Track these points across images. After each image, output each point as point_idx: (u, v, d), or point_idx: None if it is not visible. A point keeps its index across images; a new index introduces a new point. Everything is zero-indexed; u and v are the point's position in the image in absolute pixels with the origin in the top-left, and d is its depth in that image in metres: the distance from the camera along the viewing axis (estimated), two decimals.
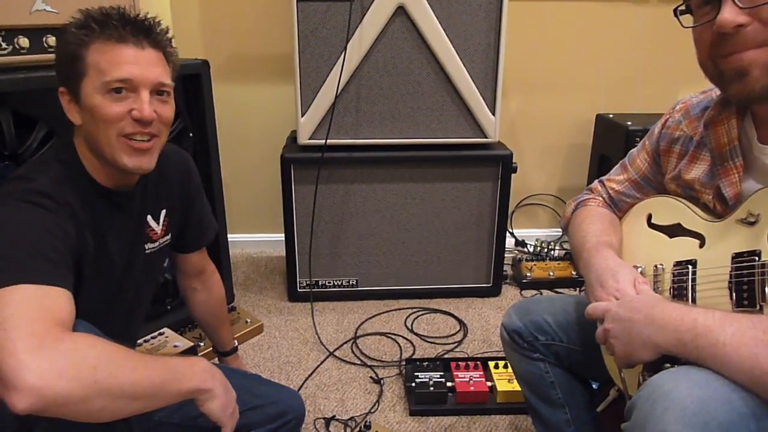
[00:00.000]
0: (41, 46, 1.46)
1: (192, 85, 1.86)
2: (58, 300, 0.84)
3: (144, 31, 0.98)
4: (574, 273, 2.36)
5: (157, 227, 1.19)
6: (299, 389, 1.73)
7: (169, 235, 1.23)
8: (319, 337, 1.99)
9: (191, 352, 1.77)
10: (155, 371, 0.85)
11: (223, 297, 1.51)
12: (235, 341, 1.59)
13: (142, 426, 1.18)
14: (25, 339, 0.75)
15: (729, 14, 0.77)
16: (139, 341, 1.76)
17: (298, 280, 2.20)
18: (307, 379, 1.78)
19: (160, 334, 1.82)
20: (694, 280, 0.93)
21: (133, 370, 0.82)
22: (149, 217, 1.17)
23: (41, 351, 0.75)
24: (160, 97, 1.01)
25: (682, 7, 0.87)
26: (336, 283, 2.22)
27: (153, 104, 0.99)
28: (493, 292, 2.28)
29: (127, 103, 0.97)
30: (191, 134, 1.89)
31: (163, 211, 1.20)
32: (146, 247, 1.17)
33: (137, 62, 0.97)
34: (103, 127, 0.97)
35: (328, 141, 2.00)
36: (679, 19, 0.87)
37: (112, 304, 1.11)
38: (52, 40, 1.47)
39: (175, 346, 1.76)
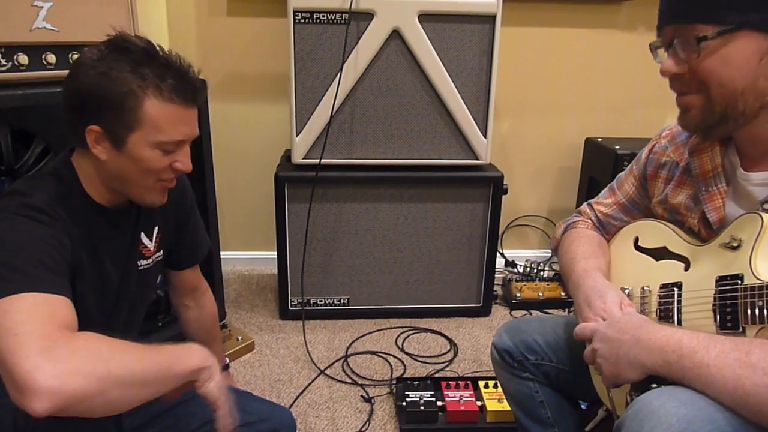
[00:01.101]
0: (40, 64, 1.48)
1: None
2: (62, 307, 0.86)
3: (194, 95, 1.00)
4: (563, 294, 2.39)
5: (150, 244, 1.20)
6: (290, 407, 1.73)
7: (161, 251, 1.24)
8: (310, 356, 2.00)
9: None
10: (159, 356, 0.88)
11: (215, 314, 1.51)
12: (226, 359, 1.59)
13: None
14: (37, 342, 0.77)
15: (667, 65, 0.89)
16: None
17: (289, 298, 2.21)
18: (298, 397, 1.78)
19: None
20: (679, 302, 0.96)
21: (140, 358, 0.85)
22: (142, 234, 1.18)
23: (54, 352, 0.77)
24: None
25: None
26: (327, 302, 2.23)
27: (188, 153, 1.04)
28: (484, 312, 2.30)
29: (172, 156, 1.01)
30: None
31: (156, 228, 1.21)
32: (139, 264, 1.18)
33: (188, 122, 1.01)
34: (146, 175, 1.01)
35: (322, 160, 2.03)
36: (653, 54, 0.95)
37: (108, 320, 1.12)
38: (51, 57, 1.49)
39: None
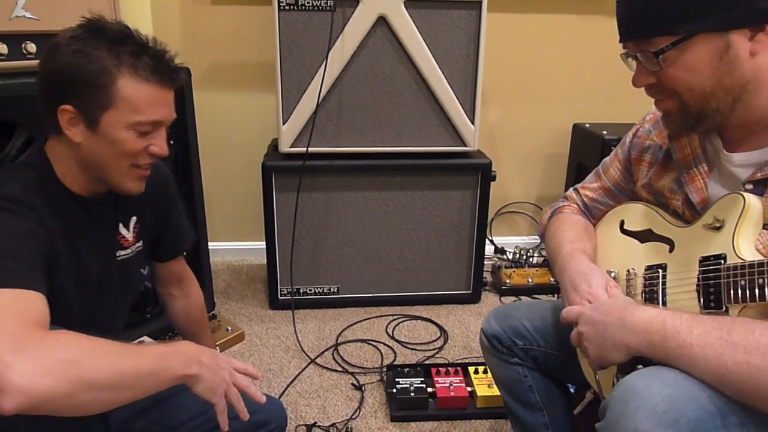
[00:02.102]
0: (20, 53, 1.46)
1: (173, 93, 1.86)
2: (34, 303, 0.85)
3: (173, 76, 0.99)
4: (552, 279, 2.40)
5: (128, 234, 1.19)
6: (280, 397, 1.73)
7: (141, 242, 1.23)
8: (300, 345, 2.00)
9: None
10: (141, 361, 0.86)
11: (202, 304, 1.50)
12: (217, 347, 1.58)
13: None
14: (6, 340, 0.75)
15: (638, 77, 0.92)
16: None
17: (279, 287, 2.20)
18: (288, 386, 1.78)
19: (140, 342, 1.81)
20: (664, 283, 0.97)
21: (118, 362, 0.83)
22: (120, 225, 1.17)
23: (24, 351, 0.75)
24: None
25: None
26: (317, 291, 2.23)
27: (165, 136, 1.03)
28: (473, 298, 2.30)
29: (148, 138, 1.00)
30: (171, 141, 1.88)
31: (134, 218, 1.20)
32: (118, 255, 1.17)
33: (164, 103, 0.99)
34: (121, 158, 0.99)
35: (310, 149, 2.02)
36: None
37: (90, 312, 1.10)
38: (31, 46, 1.47)
39: None
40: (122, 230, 1.17)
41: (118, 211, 1.16)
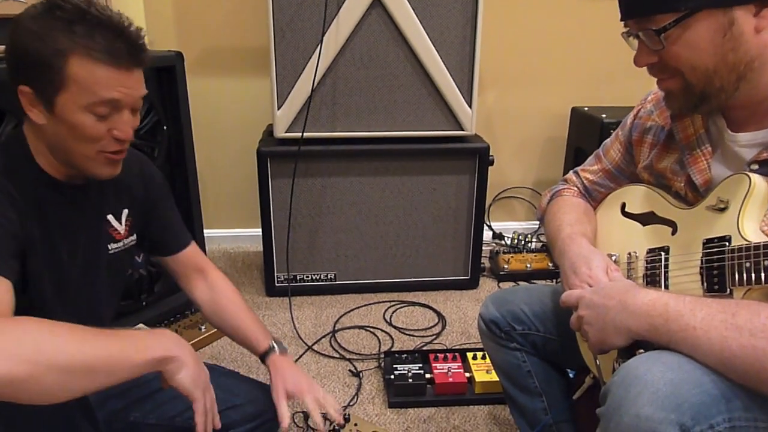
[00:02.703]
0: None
1: (166, 78, 1.83)
2: None
3: (133, 53, 0.93)
4: (550, 265, 2.39)
5: (120, 227, 1.15)
6: None
7: (134, 236, 1.19)
8: (297, 332, 1.98)
9: None
10: (111, 343, 0.83)
11: (234, 292, 1.31)
12: (280, 343, 1.25)
13: (112, 427, 1.16)
14: None
15: (639, 56, 0.90)
16: None
17: (275, 274, 2.19)
18: None
19: (137, 329, 1.80)
20: (666, 266, 0.95)
21: (82, 342, 0.80)
22: (110, 217, 1.13)
23: None
24: (135, 110, 0.99)
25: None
26: (314, 278, 2.21)
27: (130, 120, 0.97)
28: (471, 284, 2.29)
29: (109, 122, 0.94)
30: (165, 127, 1.86)
31: (126, 211, 1.16)
32: (110, 247, 1.13)
33: (123, 84, 0.94)
34: (82, 144, 0.94)
35: (305, 134, 1.99)
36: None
37: (71, 301, 1.07)
38: None
39: None
40: (113, 222, 1.14)
41: (106, 201, 1.12)
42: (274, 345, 1.23)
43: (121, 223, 1.15)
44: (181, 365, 0.90)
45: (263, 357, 1.23)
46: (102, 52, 0.90)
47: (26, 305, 0.94)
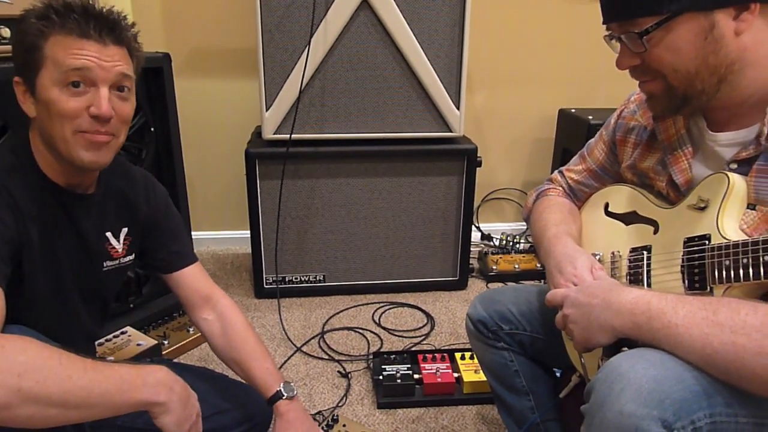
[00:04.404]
0: None
1: (153, 79, 1.83)
2: None
3: (108, 27, 0.95)
4: (539, 265, 2.40)
5: (118, 245, 1.14)
6: None
7: (132, 255, 1.18)
8: (286, 333, 1.98)
9: (155, 350, 1.74)
10: (97, 381, 0.80)
11: (246, 325, 1.25)
12: (289, 387, 1.19)
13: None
14: None
15: (622, 58, 0.91)
16: (101, 340, 1.72)
17: (264, 276, 2.18)
18: None
19: (123, 333, 1.79)
20: (649, 265, 0.96)
21: (67, 378, 0.77)
22: (109, 234, 1.12)
23: None
24: (120, 93, 0.98)
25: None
26: (303, 279, 2.21)
27: (112, 101, 0.96)
28: (460, 285, 2.30)
29: (85, 98, 0.93)
30: (152, 129, 1.85)
31: (125, 229, 1.15)
32: (105, 265, 1.12)
33: (97, 55, 0.94)
34: (59, 123, 0.93)
35: (293, 135, 1.99)
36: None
37: (63, 307, 1.07)
38: (5, 31, 1.43)
39: (138, 345, 1.73)
40: (112, 240, 1.13)
41: (106, 217, 1.11)
42: (283, 390, 1.17)
43: (119, 242, 1.15)
44: (166, 410, 0.88)
45: (272, 400, 1.18)
46: (74, 26, 0.92)
47: (20, 305, 0.93)
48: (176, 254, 1.26)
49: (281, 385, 1.18)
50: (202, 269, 1.28)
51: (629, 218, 1.05)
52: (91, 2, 0.96)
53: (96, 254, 1.11)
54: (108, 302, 1.22)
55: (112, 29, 0.95)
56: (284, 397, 1.17)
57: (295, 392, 1.20)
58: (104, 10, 0.96)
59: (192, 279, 1.26)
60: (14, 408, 0.73)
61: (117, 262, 1.15)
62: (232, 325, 1.23)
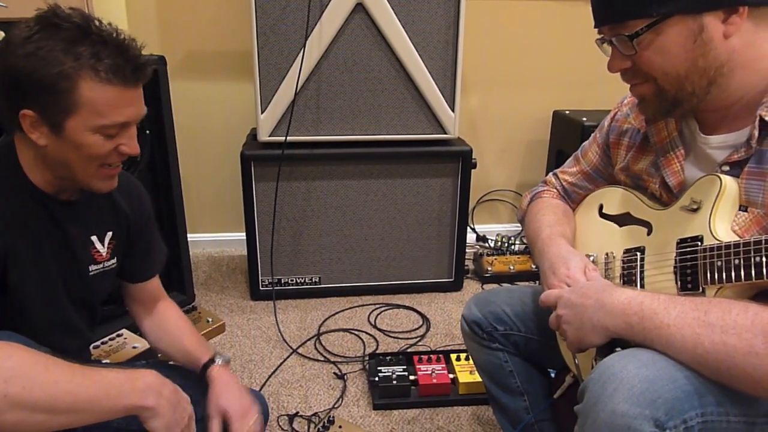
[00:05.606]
0: None
1: (148, 82, 1.81)
2: None
3: (139, 69, 0.93)
4: (533, 266, 2.41)
5: (102, 249, 1.14)
6: (262, 387, 1.72)
7: (115, 259, 1.17)
8: (282, 335, 1.98)
9: (150, 353, 1.73)
10: (84, 386, 0.80)
11: (180, 318, 1.31)
12: (223, 356, 1.24)
13: None
14: None
15: (613, 61, 0.92)
16: (96, 343, 1.72)
17: (260, 278, 2.19)
18: (270, 377, 1.77)
19: (119, 335, 1.79)
20: (642, 266, 0.97)
21: (54, 384, 0.77)
22: (94, 238, 1.12)
23: None
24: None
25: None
26: (298, 281, 2.22)
27: (135, 135, 0.98)
28: (455, 286, 2.31)
29: (115, 140, 0.95)
30: (147, 131, 1.85)
31: (110, 234, 1.15)
32: (90, 269, 1.12)
33: (131, 103, 0.94)
34: (87, 161, 0.94)
35: (289, 138, 2.00)
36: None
37: (52, 313, 1.06)
38: (0, 34, 1.42)
39: (134, 347, 1.73)
40: (97, 245, 1.12)
41: (92, 222, 1.10)
42: (216, 358, 1.21)
43: (104, 246, 1.14)
44: (155, 415, 0.88)
45: (204, 370, 1.20)
46: (110, 73, 0.89)
47: (10, 313, 0.93)
48: (150, 265, 1.27)
49: (215, 355, 1.22)
50: (158, 278, 1.30)
51: (623, 220, 1.06)
52: (121, 36, 0.91)
53: (82, 259, 1.10)
54: (96, 307, 1.21)
55: (141, 71, 0.93)
56: (217, 364, 1.19)
57: (228, 359, 1.24)
58: (128, 44, 0.92)
59: (152, 287, 1.29)
60: (0, 414, 0.73)
61: (101, 266, 1.14)
62: (170, 318, 1.29)
